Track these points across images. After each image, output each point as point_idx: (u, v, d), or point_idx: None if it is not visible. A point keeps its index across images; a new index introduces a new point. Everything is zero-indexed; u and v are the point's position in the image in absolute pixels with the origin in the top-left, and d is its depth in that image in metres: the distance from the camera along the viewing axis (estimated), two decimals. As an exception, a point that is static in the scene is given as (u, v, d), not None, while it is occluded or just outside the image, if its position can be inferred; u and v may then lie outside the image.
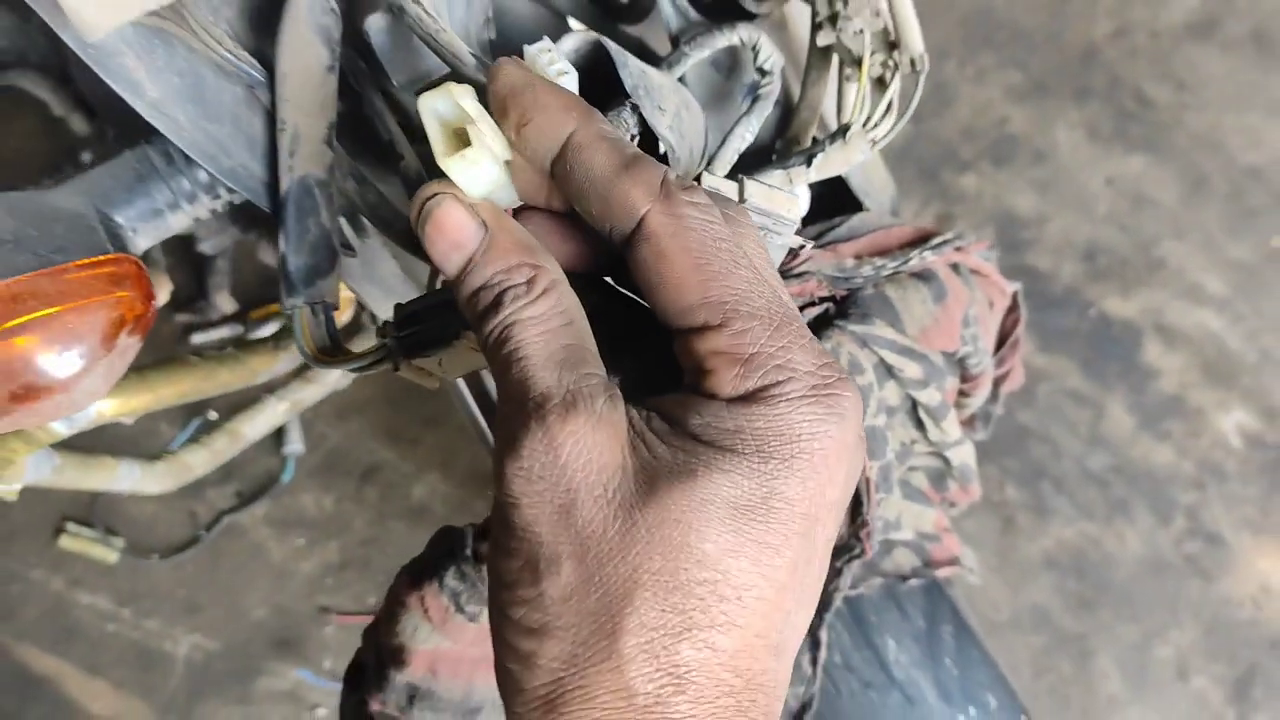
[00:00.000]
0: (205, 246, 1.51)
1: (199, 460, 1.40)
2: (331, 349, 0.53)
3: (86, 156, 1.47)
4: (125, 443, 1.71)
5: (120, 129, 1.31)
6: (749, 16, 0.67)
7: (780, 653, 0.42)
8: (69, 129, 1.59)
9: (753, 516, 0.40)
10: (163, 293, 1.49)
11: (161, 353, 1.90)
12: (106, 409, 1.00)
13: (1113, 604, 1.76)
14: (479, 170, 0.43)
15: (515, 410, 0.41)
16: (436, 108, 0.43)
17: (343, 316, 1.40)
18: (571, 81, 0.47)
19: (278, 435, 1.81)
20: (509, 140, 0.44)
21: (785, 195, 0.56)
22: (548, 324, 0.42)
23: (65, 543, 1.77)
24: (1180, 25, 2.20)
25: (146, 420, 1.68)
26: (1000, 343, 0.76)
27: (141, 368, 1.07)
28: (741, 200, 0.57)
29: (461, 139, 0.44)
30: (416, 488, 1.86)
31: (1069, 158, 2.09)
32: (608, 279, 0.49)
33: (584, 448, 0.40)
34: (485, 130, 0.43)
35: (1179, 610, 1.75)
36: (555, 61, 0.47)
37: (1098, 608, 1.76)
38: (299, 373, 1.32)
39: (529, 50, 0.48)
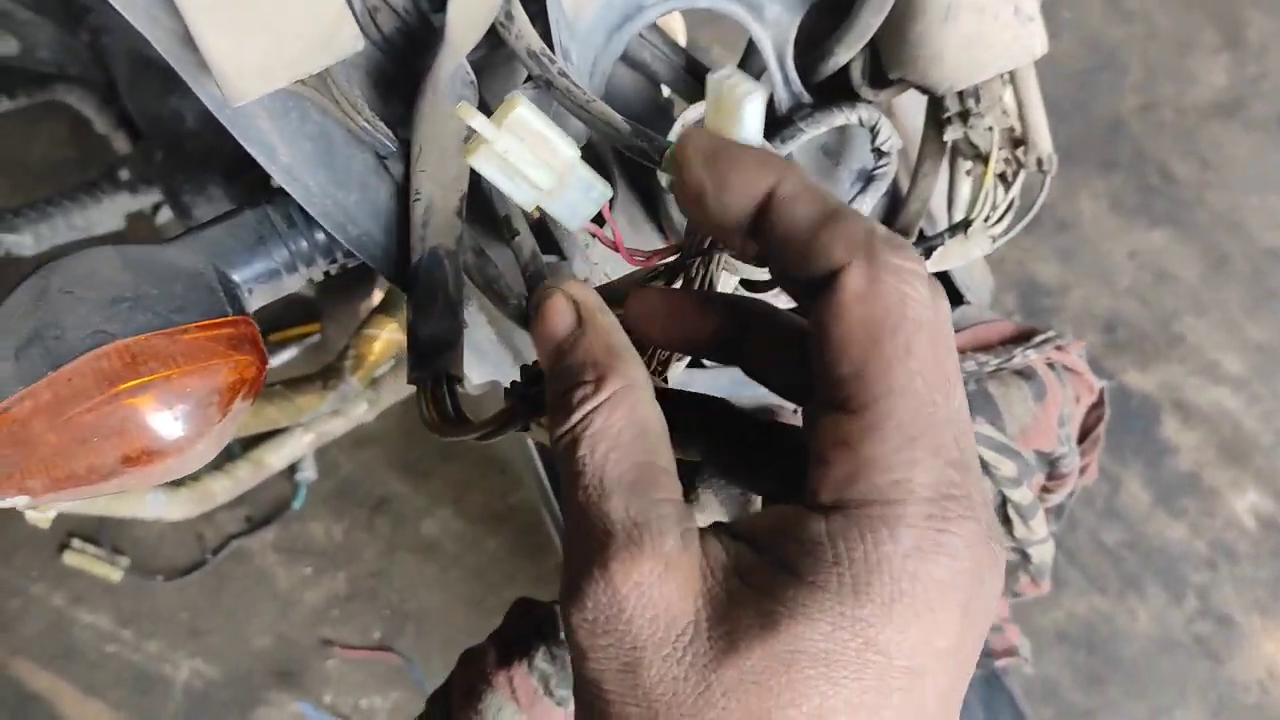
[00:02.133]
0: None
1: (221, 488, 1.38)
2: (456, 420, 0.52)
3: (124, 174, 1.46)
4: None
5: (169, 152, 1.30)
6: (862, 102, 0.67)
7: None
8: (100, 137, 1.58)
9: (845, 672, 0.35)
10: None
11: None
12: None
13: (1122, 680, 1.75)
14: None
15: (579, 542, 0.38)
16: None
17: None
18: (759, 101, 0.46)
19: (289, 461, 1.80)
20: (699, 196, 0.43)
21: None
22: (618, 438, 0.39)
23: (69, 559, 1.74)
24: (1207, 104, 2.22)
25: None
26: (1082, 437, 0.76)
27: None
28: None
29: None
30: (428, 522, 1.84)
31: (1092, 228, 2.10)
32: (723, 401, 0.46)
33: (650, 600, 0.36)
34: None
35: (1187, 690, 1.75)
36: (741, 83, 0.46)
37: (1107, 683, 1.75)
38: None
39: (713, 77, 0.47)
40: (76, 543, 1.75)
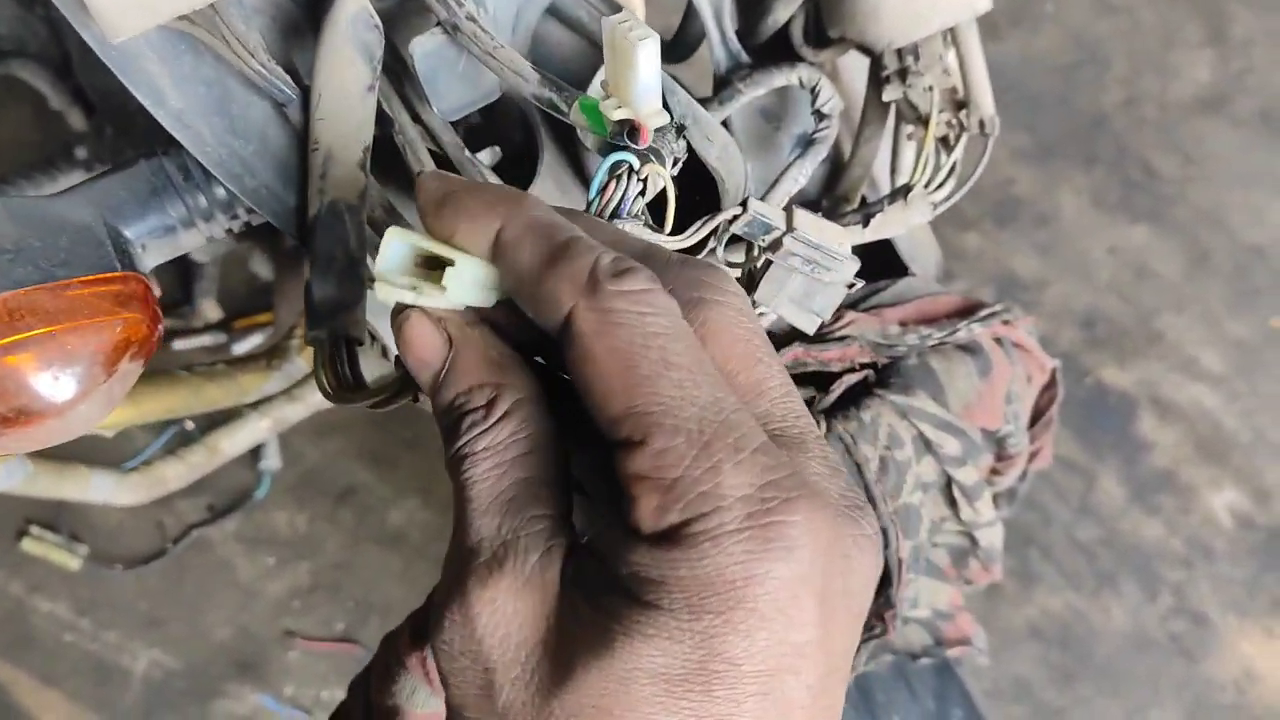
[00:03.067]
0: (197, 253, 1.46)
1: (174, 474, 1.36)
2: (352, 384, 0.49)
3: (81, 152, 1.43)
4: (98, 448, 1.66)
5: (119, 128, 1.27)
6: (803, 63, 0.64)
7: None
8: (63, 120, 1.55)
9: (689, 687, 0.34)
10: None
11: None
12: (87, 420, 0.96)
13: (1095, 679, 1.73)
14: (452, 291, 0.39)
15: (449, 562, 0.37)
16: (393, 256, 0.40)
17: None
18: (653, 45, 0.44)
19: (254, 449, 1.76)
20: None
21: (836, 228, 0.53)
22: (501, 455, 0.38)
23: (27, 546, 1.71)
24: (1190, 99, 2.20)
25: (120, 426, 1.64)
26: (1034, 419, 0.73)
27: (126, 379, 1.02)
28: (790, 229, 0.54)
29: (429, 265, 0.40)
30: (394, 512, 1.81)
31: (1072, 223, 2.08)
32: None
33: (500, 620, 0.35)
34: (446, 254, 0.39)
35: (1161, 690, 1.72)
36: (635, 28, 0.44)
37: (1079, 681, 1.73)
38: (285, 390, 1.28)
39: (608, 21, 0.44)
40: (35, 529, 1.72)
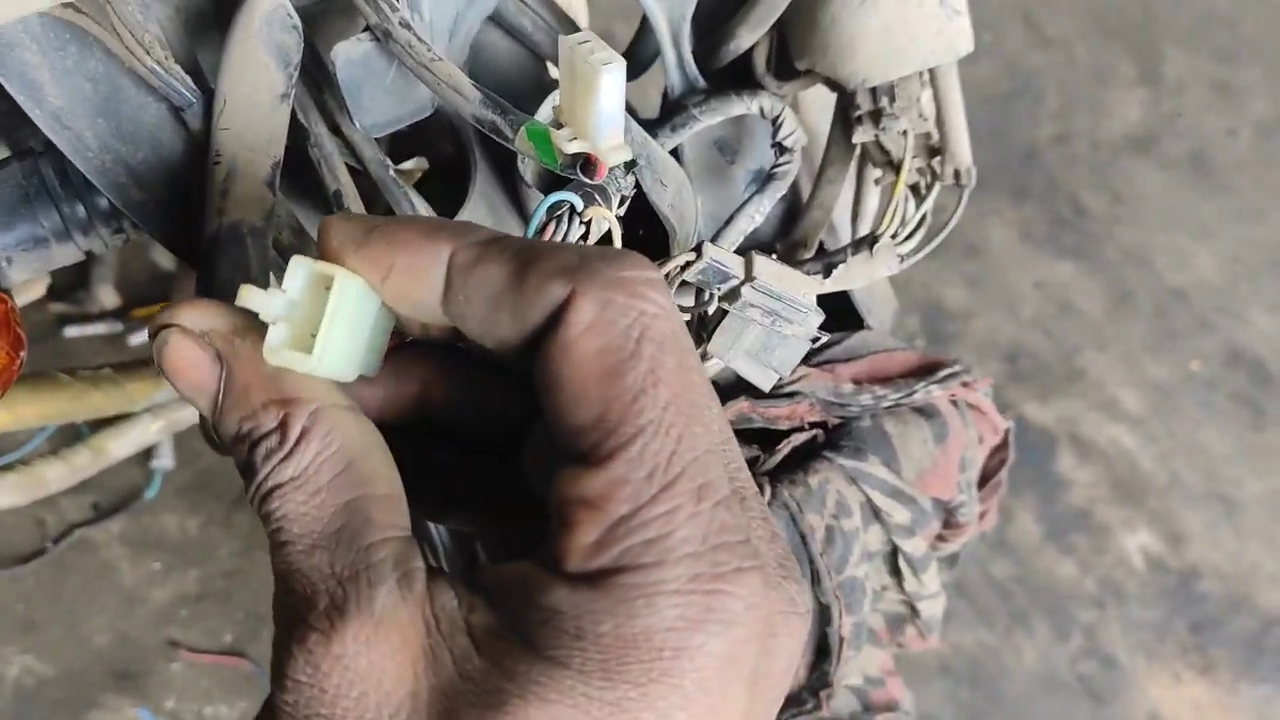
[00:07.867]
0: (93, 240, 1.37)
1: (56, 475, 1.27)
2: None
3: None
4: (-28, 440, 1.56)
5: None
6: (765, 92, 0.59)
7: None
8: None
9: None
10: (39, 286, 1.35)
11: (32, 343, 1.74)
12: (-45, 424, 0.88)
13: (1004, 718, 1.71)
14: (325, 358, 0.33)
15: (282, 612, 0.32)
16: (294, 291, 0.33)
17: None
18: (618, 72, 0.38)
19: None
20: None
21: (800, 277, 0.48)
22: (315, 482, 0.32)
23: (-109, 540, 1.60)
24: (1121, 138, 2.21)
25: None
26: (983, 480, 0.70)
27: (2, 380, 0.94)
28: (750, 277, 0.49)
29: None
30: (292, 520, 1.73)
31: (1001, 256, 2.07)
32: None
33: (355, 678, 0.30)
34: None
35: (1068, 731, 1.71)
36: (597, 50, 0.38)
37: (988, 721, 1.71)
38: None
39: (567, 40, 0.39)
40: (-98, 523, 1.61)
